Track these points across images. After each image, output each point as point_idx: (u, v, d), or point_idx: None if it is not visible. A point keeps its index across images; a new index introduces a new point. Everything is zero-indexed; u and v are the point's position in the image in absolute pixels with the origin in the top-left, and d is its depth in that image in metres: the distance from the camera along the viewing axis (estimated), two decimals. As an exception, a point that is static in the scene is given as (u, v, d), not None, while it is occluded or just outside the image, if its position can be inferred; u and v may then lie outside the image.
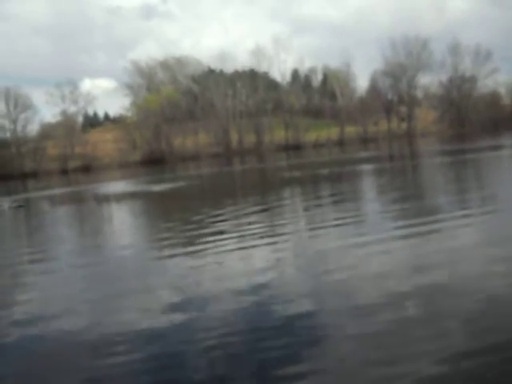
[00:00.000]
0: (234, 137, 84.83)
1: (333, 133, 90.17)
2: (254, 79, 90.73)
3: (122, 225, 13.97)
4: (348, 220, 9.67)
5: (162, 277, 7.07)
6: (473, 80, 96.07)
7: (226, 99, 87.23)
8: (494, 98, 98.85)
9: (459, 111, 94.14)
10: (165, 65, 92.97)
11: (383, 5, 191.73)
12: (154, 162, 68.14)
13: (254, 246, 8.35)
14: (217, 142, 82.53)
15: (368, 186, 16.79)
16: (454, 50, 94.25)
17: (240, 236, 9.30)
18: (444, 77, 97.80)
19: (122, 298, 6.16)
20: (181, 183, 26.03)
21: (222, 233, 9.85)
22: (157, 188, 24.34)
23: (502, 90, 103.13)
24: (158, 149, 76.90)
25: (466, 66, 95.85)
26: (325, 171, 24.07)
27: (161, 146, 78.07)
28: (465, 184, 14.18)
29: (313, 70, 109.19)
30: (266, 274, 6.48)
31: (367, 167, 24.57)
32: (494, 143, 35.52)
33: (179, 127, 79.25)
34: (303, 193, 16.80)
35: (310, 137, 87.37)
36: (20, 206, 21.23)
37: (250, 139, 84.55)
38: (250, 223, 10.60)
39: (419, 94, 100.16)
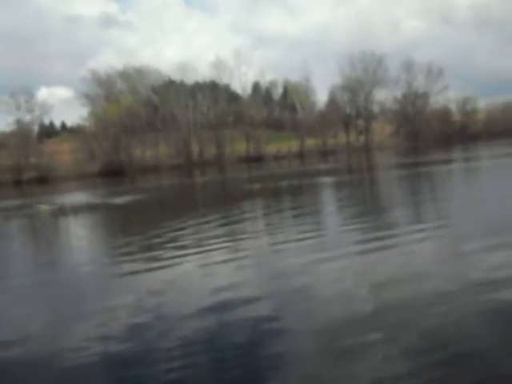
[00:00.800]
0: (195, 148, 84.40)
1: (293, 145, 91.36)
2: (214, 91, 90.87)
3: (79, 240, 13.50)
4: (308, 235, 9.73)
5: (122, 295, 6.86)
6: (425, 96, 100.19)
7: (187, 110, 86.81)
8: (445, 114, 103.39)
9: (413, 125, 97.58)
10: (124, 74, 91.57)
11: (341, 21, 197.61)
12: (113, 174, 66.71)
13: (215, 263, 8.25)
14: (177, 153, 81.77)
15: (328, 200, 17.01)
16: (408, 67, 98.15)
17: (201, 251, 9.17)
18: (399, 92, 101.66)
19: (77, 320, 5.91)
20: (141, 195, 25.57)
21: (183, 247, 9.70)
22: (115, 200, 23.79)
23: (453, 106, 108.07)
24: (116, 160, 75.32)
25: (419, 83, 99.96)
26: (285, 184, 24.26)
27: (120, 157, 76.50)
28: (420, 197, 14.58)
29: (273, 83, 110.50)
30: (227, 291, 6.41)
31: (327, 180, 24.95)
32: (446, 157, 36.91)
33: (139, 138, 78.08)
34: (264, 206, 16.81)
35: (271, 149, 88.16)
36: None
37: (210, 151, 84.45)
38: (210, 238, 10.48)
39: (376, 108, 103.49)
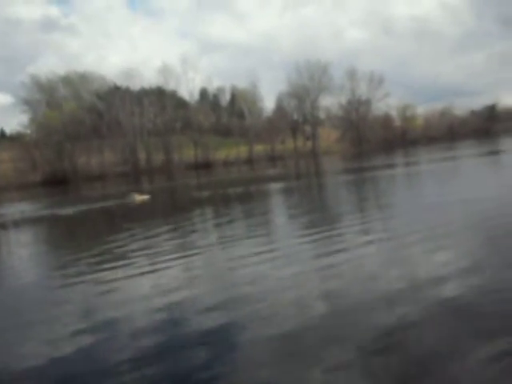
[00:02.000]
0: (142, 155, 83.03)
1: (242, 151, 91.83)
2: (161, 97, 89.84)
3: (22, 252, 13.00)
4: (260, 249, 9.80)
5: (67, 305, 6.80)
6: (368, 103, 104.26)
7: (133, 117, 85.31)
8: (386, 120, 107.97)
9: (358, 131, 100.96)
10: (67, 80, 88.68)
11: (287, 29, 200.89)
12: (57, 183, 64.37)
13: (164, 268, 8.28)
14: (124, 160, 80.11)
15: (278, 208, 17.30)
16: (351, 75, 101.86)
17: (151, 270, 9.05)
18: (343, 99, 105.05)
19: (22, 330, 5.83)
20: (86, 205, 24.89)
21: (132, 252, 9.64)
22: (60, 211, 23.04)
23: (394, 113, 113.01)
24: (60, 168, 72.74)
25: (362, 90, 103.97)
26: (235, 191, 24.42)
27: (63, 165, 73.93)
28: (366, 203, 15.13)
29: (221, 90, 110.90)
30: (177, 294, 6.52)
31: (276, 186, 25.33)
32: (389, 162, 38.44)
33: (83, 145, 75.77)
34: (214, 215, 16.88)
35: (220, 155, 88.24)
36: None
37: (158, 158, 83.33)
38: (160, 253, 10.40)
39: (322, 114, 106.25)
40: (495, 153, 33.96)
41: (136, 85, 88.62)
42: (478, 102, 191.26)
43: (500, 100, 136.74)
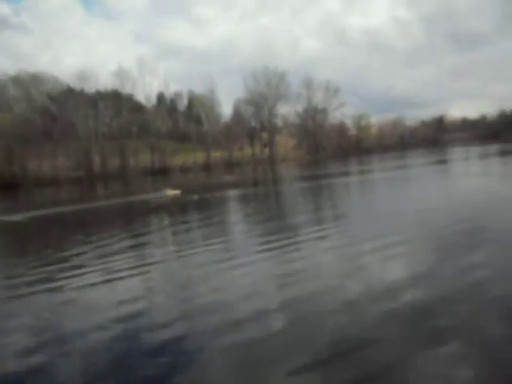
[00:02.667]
0: (97, 160, 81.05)
1: (199, 157, 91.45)
2: (117, 101, 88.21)
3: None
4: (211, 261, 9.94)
5: (17, 317, 6.62)
6: (324, 112, 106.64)
7: (88, 120, 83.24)
8: (342, 128, 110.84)
9: (314, 139, 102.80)
10: (18, 80, 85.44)
11: (245, 36, 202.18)
12: (5, 188, 61.78)
13: (121, 278, 8.19)
14: (77, 165, 77.89)
15: (236, 217, 17.43)
16: (308, 84, 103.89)
17: (106, 267, 9.01)
18: (300, 107, 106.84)
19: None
20: (38, 211, 24.11)
21: (87, 264, 9.47)
22: (9, 218, 22.20)
23: (349, 122, 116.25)
24: (9, 172, 69.79)
25: (319, 99, 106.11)
26: (192, 198, 24.33)
27: (13, 169, 71.10)
28: (323, 212, 15.50)
29: (178, 95, 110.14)
30: (133, 305, 6.49)
31: (234, 193, 25.49)
32: (344, 169, 39.44)
33: (35, 149, 73.14)
34: (170, 221, 16.81)
35: (177, 161, 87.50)
36: None
37: (113, 163, 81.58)
38: (115, 253, 10.32)
39: (279, 122, 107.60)
40: (443, 162, 35.53)
41: (91, 87, 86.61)
42: (428, 114, 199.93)
43: (448, 112, 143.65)
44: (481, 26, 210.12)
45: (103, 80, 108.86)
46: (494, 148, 51.98)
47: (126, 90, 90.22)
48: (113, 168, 79.70)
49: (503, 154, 37.93)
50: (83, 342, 5.39)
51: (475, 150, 51.54)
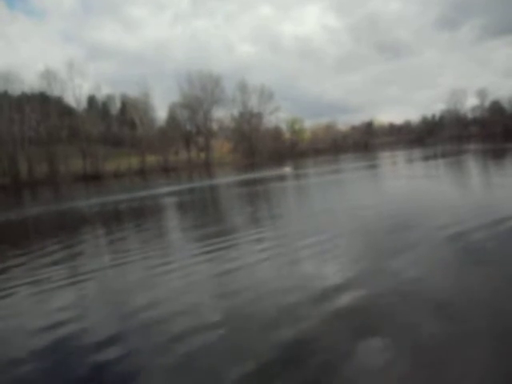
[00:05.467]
0: (24, 167, 76.95)
1: (133, 162, 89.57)
2: (45, 104, 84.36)
3: None
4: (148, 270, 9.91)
5: None
6: (259, 116, 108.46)
7: (13, 124, 78.95)
8: (277, 132, 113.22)
9: (250, 143, 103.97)
10: None
11: (179, 39, 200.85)
12: None
13: (49, 293, 7.87)
14: (2, 172, 73.60)
15: (174, 228, 17.33)
16: (243, 88, 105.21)
17: (32, 284, 8.62)
18: (235, 111, 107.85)
19: None
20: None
21: (16, 278, 9.08)
22: None
23: (283, 126, 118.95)
24: None
25: (254, 103, 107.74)
26: (127, 206, 23.84)
27: None
28: (259, 215, 15.77)
29: (111, 98, 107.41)
30: (63, 329, 6.30)
31: (170, 200, 25.26)
32: (280, 173, 40.28)
33: (-47, 155, 68.44)
34: (104, 230, 16.41)
35: (110, 166, 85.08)
36: None
37: (42, 169, 77.87)
38: (45, 266, 9.94)
39: (215, 126, 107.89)
40: (374, 166, 37.27)
41: (16, 89, 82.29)
42: (358, 119, 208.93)
43: (376, 117, 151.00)
44: (403, 37, 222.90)
45: (29, 82, 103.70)
46: (418, 152, 55.21)
47: (55, 92, 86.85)
48: (41, 175, 76.01)
49: (427, 158, 40.44)
50: (7, 372, 5.08)
51: (402, 155, 54.46)
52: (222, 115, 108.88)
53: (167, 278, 7.96)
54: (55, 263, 10.35)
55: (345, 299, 5.89)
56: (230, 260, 8.68)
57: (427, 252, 7.72)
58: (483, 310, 5.11)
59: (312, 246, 9.02)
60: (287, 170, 40.97)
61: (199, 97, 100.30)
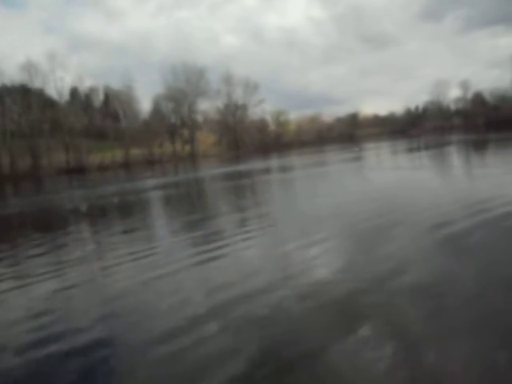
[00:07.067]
0: (5, 160, 75.66)
1: (117, 155, 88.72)
2: (26, 96, 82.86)
3: None
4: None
5: None
6: (244, 108, 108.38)
7: (-7, 117, 77.59)
8: (262, 124, 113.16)
9: (235, 135, 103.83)
10: None
11: (163, 30, 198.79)
12: None
13: (31, 285, 7.87)
14: (-17, 165, 72.47)
15: (158, 219, 17.28)
16: (228, 80, 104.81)
17: (17, 275, 8.58)
18: (220, 104, 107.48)
19: None
20: None
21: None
22: None
23: (269, 118, 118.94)
24: None
25: (238, 95, 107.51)
26: (113, 200, 23.66)
27: None
28: (246, 212, 15.83)
29: (94, 90, 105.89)
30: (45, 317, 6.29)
31: (157, 194, 25.16)
32: (265, 165, 40.32)
33: None
34: (92, 227, 16.29)
35: (94, 159, 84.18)
36: None
37: (24, 162, 76.68)
38: (24, 262, 9.87)
39: (200, 118, 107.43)
40: (359, 158, 37.52)
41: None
42: (343, 110, 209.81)
43: (361, 108, 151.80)
44: (388, 28, 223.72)
45: (10, 74, 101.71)
46: (402, 144, 55.70)
47: (36, 84, 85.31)
48: (24, 168, 74.88)
49: (411, 150, 40.84)
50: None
51: (386, 146, 54.90)
52: (207, 107, 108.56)
53: (158, 270, 7.96)
54: (39, 255, 10.30)
55: (334, 290, 5.98)
56: (217, 257, 8.67)
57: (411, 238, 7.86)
58: (463, 293, 5.25)
59: (299, 239, 9.08)
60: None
61: (184, 89, 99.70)
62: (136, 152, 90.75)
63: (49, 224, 17.69)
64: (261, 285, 6.58)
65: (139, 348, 4.98)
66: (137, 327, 5.57)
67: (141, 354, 4.84)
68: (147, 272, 7.92)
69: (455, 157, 28.65)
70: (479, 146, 37.06)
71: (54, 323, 5.98)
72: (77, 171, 74.87)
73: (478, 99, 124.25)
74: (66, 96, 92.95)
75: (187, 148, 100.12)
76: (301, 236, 9.43)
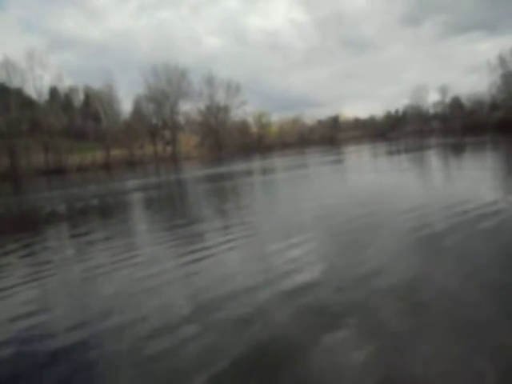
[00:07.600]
0: (-18, 160, 74.37)
1: (98, 156, 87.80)
2: (4, 95, 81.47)
3: None
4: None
5: None
6: (226, 109, 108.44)
7: (-30, 117, 76.06)
8: (244, 126, 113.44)
9: (217, 136, 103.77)
10: None
11: (144, 30, 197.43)
12: None
13: (12, 289, 7.83)
14: (-41, 166, 70.95)
15: (139, 223, 17.20)
16: (210, 81, 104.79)
17: None
18: (202, 105, 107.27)
19: None
20: None
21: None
22: None
23: (251, 120, 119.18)
24: None
25: (221, 97, 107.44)
26: (92, 202, 23.45)
27: None
28: (229, 216, 15.86)
29: (74, 90, 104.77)
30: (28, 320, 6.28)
31: (138, 196, 24.99)
32: (247, 168, 40.37)
33: None
34: (72, 231, 16.11)
35: (74, 160, 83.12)
36: None
37: (2, 163, 75.29)
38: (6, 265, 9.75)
39: (181, 119, 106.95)
40: (340, 161, 37.89)
41: (-27, 81, 79.17)
42: (324, 113, 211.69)
43: (342, 111, 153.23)
44: (369, 33, 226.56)
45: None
46: (382, 147, 56.43)
47: (14, 83, 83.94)
48: (2, 169, 73.49)
49: (391, 153, 41.42)
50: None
51: (367, 149, 55.52)
52: (189, 108, 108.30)
53: (142, 271, 7.95)
54: (21, 257, 10.17)
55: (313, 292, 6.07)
56: (199, 259, 8.72)
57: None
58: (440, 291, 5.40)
59: (281, 241, 9.18)
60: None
61: (165, 90, 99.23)
62: (117, 153, 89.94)
63: (21, 228, 17.44)
64: (242, 287, 6.64)
65: (124, 349, 5.00)
66: (121, 330, 5.58)
67: (126, 354, 4.86)
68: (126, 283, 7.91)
69: (434, 159, 29.21)
70: (457, 149, 37.82)
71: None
72: (56, 172, 73.82)
73: (456, 104, 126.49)
74: (45, 95, 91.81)
75: (169, 149, 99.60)
76: (282, 238, 9.53)
